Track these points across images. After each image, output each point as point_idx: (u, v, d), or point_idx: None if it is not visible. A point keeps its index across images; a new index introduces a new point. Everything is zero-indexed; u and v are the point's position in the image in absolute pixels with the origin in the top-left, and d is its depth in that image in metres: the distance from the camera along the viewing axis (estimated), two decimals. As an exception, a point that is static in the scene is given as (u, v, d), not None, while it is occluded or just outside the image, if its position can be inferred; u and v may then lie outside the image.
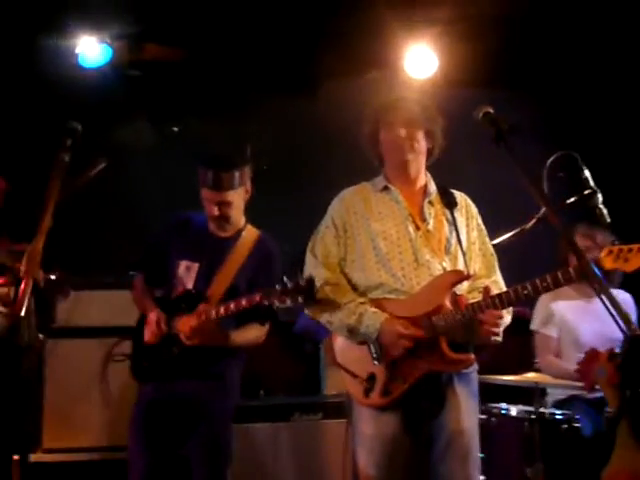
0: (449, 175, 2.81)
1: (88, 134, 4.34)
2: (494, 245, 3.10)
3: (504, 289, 2.70)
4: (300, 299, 2.65)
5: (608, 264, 2.31)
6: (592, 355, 2.46)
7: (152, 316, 3.00)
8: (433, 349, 2.56)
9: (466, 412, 2.64)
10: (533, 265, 2.88)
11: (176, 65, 4.53)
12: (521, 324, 3.69)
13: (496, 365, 3.76)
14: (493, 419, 3.72)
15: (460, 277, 2.60)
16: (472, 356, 2.59)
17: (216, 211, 3.01)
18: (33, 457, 3.70)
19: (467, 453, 2.62)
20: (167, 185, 4.49)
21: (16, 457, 3.58)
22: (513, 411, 3.66)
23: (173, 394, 2.98)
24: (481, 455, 3.67)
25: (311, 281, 2.64)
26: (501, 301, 2.50)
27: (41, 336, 3.83)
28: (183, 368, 2.97)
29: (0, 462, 3.59)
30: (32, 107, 3.94)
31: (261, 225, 4.48)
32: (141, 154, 4.55)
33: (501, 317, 2.52)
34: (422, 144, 2.70)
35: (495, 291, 2.61)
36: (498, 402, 3.79)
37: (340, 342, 2.74)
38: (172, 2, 4.17)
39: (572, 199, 3.49)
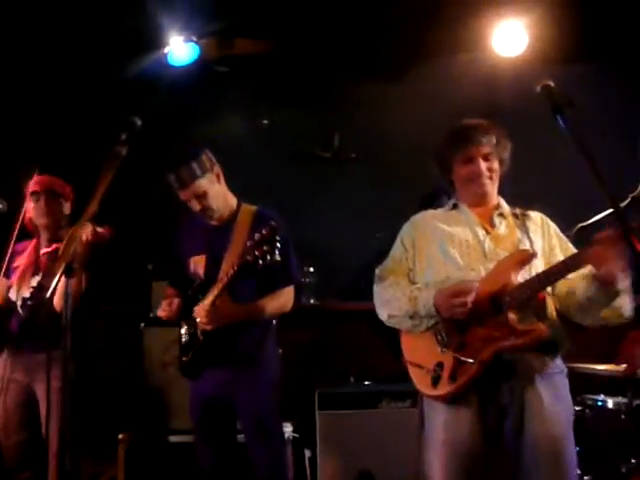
0: (540, 156, 2.71)
1: (178, 131, 4.56)
2: (588, 225, 2.98)
3: None
4: (265, 248, 2.70)
5: None
6: (634, 337, 2.26)
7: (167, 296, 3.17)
8: (502, 325, 2.44)
9: (553, 417, 2.43)
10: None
11: (263, 58, 4.60)
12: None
13: (595, 354, 3.57)
14: (588, 411, 3.56)
15: (526, 256, 2.50)
16: (542, 326, 2.41)
17: (197, 205, 3.07)
18: (134, 437, 3.90)
19: (558, 461, 2.40)
20: (254, 178, 4.59)
21: (121, 436, 3.87)
22: (609, 403, 3.48)
23: (212, 387, 3.07)
24: (576, 448, 3.55)
25: (273, 227, 2.71)
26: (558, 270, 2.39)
27: (142, 325, 4.05)
28: (213, 356, 3.04)
29: (107, 440, 3.88)
30: (122, 107, 4.11)
31: (349, 212, 4.51)
32: (233, 148, 4.66)
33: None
34: (498, 172, 2.68)
35: None
36: (595, 393, 3.62)
37: (406, 339, 2.70)
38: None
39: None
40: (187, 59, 4.38)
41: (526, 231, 2.61)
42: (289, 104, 4.74)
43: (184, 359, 3.14)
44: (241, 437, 3.18)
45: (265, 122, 4.73)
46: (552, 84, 2.21)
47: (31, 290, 3.08)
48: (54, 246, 3.13)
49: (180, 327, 3.21)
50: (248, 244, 2.76)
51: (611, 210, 1.94)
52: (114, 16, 4.13)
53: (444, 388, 2.51)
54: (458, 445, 2.44)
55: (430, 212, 2.79)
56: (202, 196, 3.05)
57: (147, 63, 4.25)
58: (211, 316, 2.97)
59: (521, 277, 2.50)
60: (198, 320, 3.04)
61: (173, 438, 3.87)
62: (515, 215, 2.68)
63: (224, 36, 4.48)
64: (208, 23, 4.26)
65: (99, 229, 3.04)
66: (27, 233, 3.43)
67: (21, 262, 3.33)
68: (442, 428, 2.50)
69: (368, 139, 4.72)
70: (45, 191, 3.31)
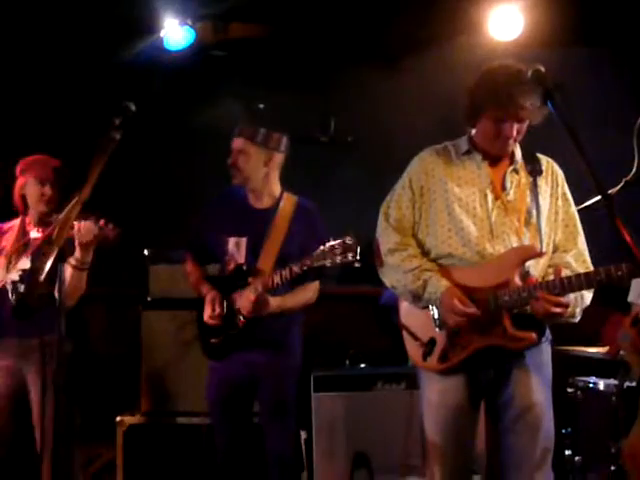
0: (537, 140, 2.71)
1: (174, 115, 4.56)
2: (580, 210, 2.99)
3: (587, 261, 2.61)
4: (349, 256, 2.74)
5: None
6: (616, 320, 2.30)
7: (208, 298, 3.15)
8: (495, 323, 2.51)
9: (536, 384, 2.57)
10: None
11: (259, 42, 4.60)
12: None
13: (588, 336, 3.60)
14: (579, 393, 3.60)
15: (532, 253, 2.52)
16: (534, 335, 2.49)
17: (229, 160, 3.13)
18: (132, 419, 3.94)
19: (537, 426, 2.56)
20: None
21: (119, 419, 3.91)
22: (600, 385, 3.52)
23: (239, 368, 3.14)
24: (567, 430, 3.60)
25: (356, 240, 2.72)
26: (570, 284, 2.40)
27: (140, 307, 4.07)
28: (245, 340, 3.10)
29: (104, 423, 3.92)
30: (118, 92, 4.12)
31: (347, 195, 4.51)
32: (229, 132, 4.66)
33: (559, 303, 2.41)
34: (524, 130, 2.58)
35: (575, 265, 2.56)
36: (587, 375, 3.65)
37: (406, 304, 2.75)
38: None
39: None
40: (183, 43, 4.36)
41: (536, 195, 2.58)
42: (285, 88, 4.74)
43: (213, 341, 3.17)
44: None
45: (261, 106, 4.73)
46: (542, 69, 2.22)
47: (20, 273, 3.08)
48: (47, 231, 3.09)
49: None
50: (326, 249, 2.81)
51: (599, 197, 1.94)
52: (109, 0, 4.13)
53: (434, 365, 2.62)
54: (448, 409, 2.60)
55: (444, 149, 2.70)
56: (239, 152, 3.10)
57: (143, 47, 4.25)
58: (256, 309, 3.02)
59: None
60: (239, 308, 3.07)
61: (172, 420, 3.92)
62: (527, 169, 2.62)
63: (220, 20, 4.47)
64: (204, 7, 4.25)
65: (106, 228, 2.99)
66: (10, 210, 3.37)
67: (7, 243, 3.28)
68: (435, 393, 2.64)
69: (365, 123, 4.72)
70: (53, 181, 3.25)
